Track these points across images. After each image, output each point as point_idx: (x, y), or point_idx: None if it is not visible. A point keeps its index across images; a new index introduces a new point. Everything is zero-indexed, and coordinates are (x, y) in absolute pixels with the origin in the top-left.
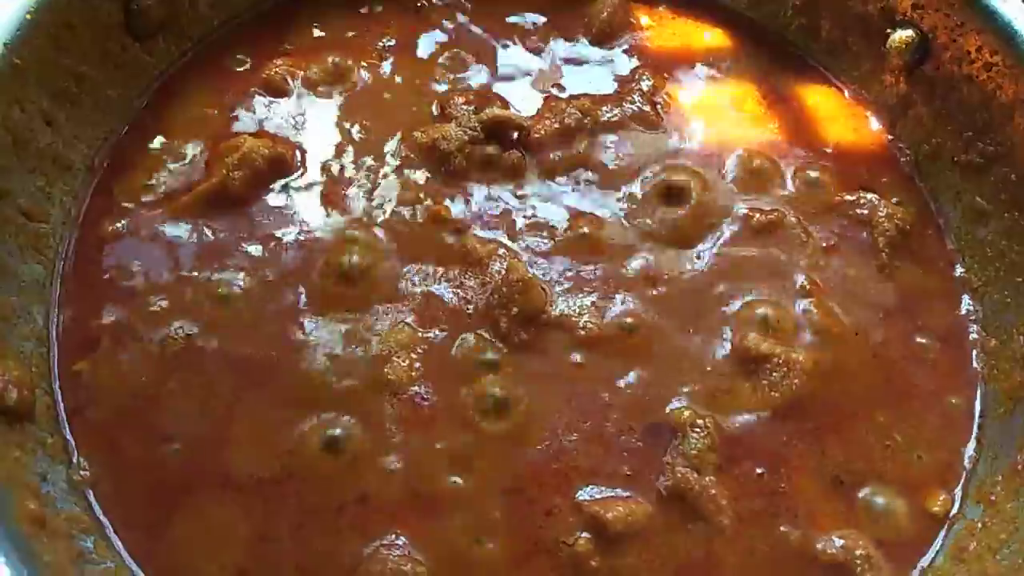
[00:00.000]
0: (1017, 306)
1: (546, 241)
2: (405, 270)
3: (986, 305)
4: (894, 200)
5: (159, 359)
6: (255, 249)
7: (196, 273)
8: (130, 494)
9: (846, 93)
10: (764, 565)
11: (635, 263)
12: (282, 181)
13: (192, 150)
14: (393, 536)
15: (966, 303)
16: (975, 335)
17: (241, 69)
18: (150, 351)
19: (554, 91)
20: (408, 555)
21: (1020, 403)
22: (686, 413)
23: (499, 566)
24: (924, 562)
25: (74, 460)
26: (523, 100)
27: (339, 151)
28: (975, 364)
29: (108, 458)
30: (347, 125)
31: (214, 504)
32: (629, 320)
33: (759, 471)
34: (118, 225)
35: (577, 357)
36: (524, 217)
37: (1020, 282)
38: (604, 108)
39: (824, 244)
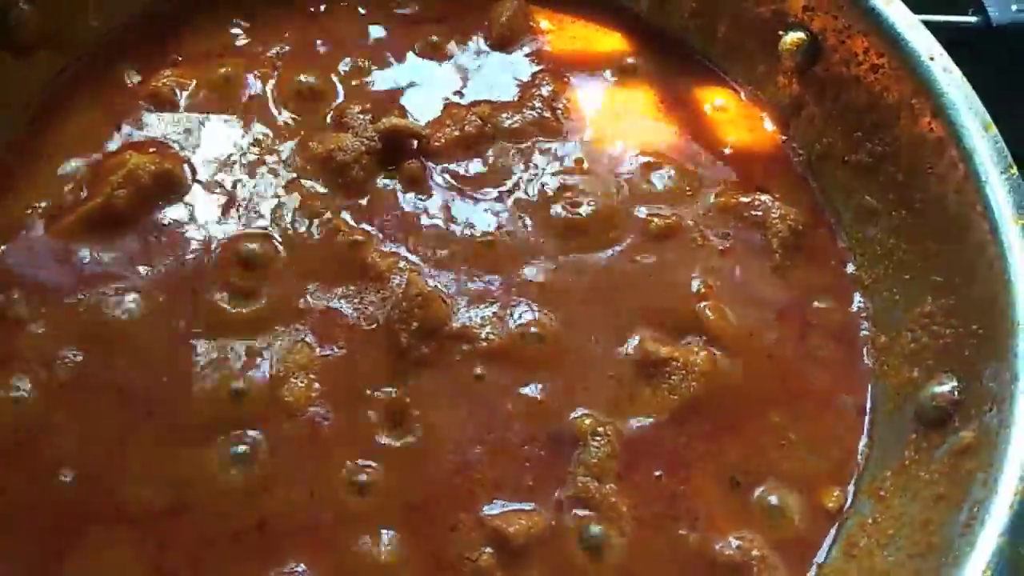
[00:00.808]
0: (905, 303)
1: (447, 252)
2: (303, 286)
3: (876, 302)
4: (786, 200)
5: (44, 389)
6: (143, 270)
7: (81, 297)
8: (17, 535)
9: (742, 95)
10: (664, 569)
11: (536, 271)
12: (171, 197)
13: (77, 168)
14: (293, 564)
15: (857, 300)
16: (866, 332)
17: (129, 81)
18: (33, 381)
19: (454, 98)
20: None
21: (908, 399)
22: (587, 421)
23: None
24: (818, 559)
25: None
26: (422, 107)
27: (231, 164)
28: (866, 361)
29: None
30: (239, 137)
31: (107, 540)
32: (532, 330)
33: (658, 474)
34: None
35: (479, 369)
36: (424, 228)
37: (908, 279)
38: (505, 115)
39: (720, 247)
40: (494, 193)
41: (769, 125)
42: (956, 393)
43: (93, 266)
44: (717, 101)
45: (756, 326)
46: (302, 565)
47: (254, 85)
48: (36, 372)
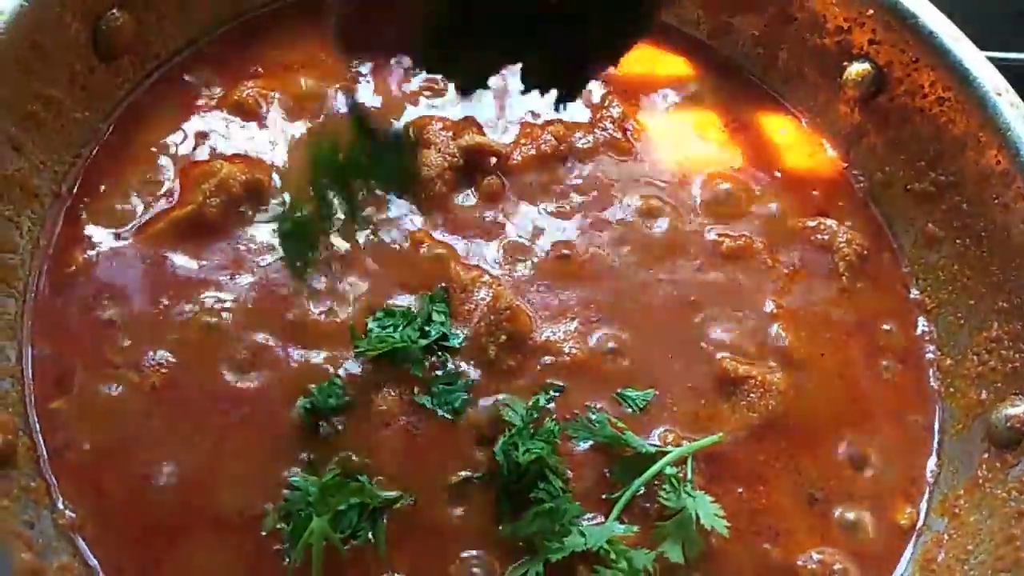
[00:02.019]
0: (969, 327)
1: (528, 267)
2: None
3: (940, 326)
4: (849, 225)
5: (140, 394)
6: (236, 277)
7: (174, 303)
8: (118, 536)
9: (803, 121)
10: None
11: (614, 288)
12: (260, 208)
13: (163, 175)
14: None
15: (921, 324)
16: (931, 355)
17: (209, 90)
18: (130, 386)
19: (528, 117)
20: None
21: (977, 420)
22: (670, 436)
23: None
24: (897, 573)
25: (58, 504)
26: (498, 127)
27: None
28: (932, 383)
29: (93, 500)
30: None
31: (206, 544)
32: (611, 345)
33: (739, 490)
34: (89, 254)
35: (562, 382)
36: (505, 242)
37: (971, 304)
38: (578, 134)
39: (787, 269)
40: (569, 210)
41: (831, 151)
42: None
43: (185, 272)
44: (780, 127)
45: (827, 347)
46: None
47: (336, 98)
48: (129, 376)
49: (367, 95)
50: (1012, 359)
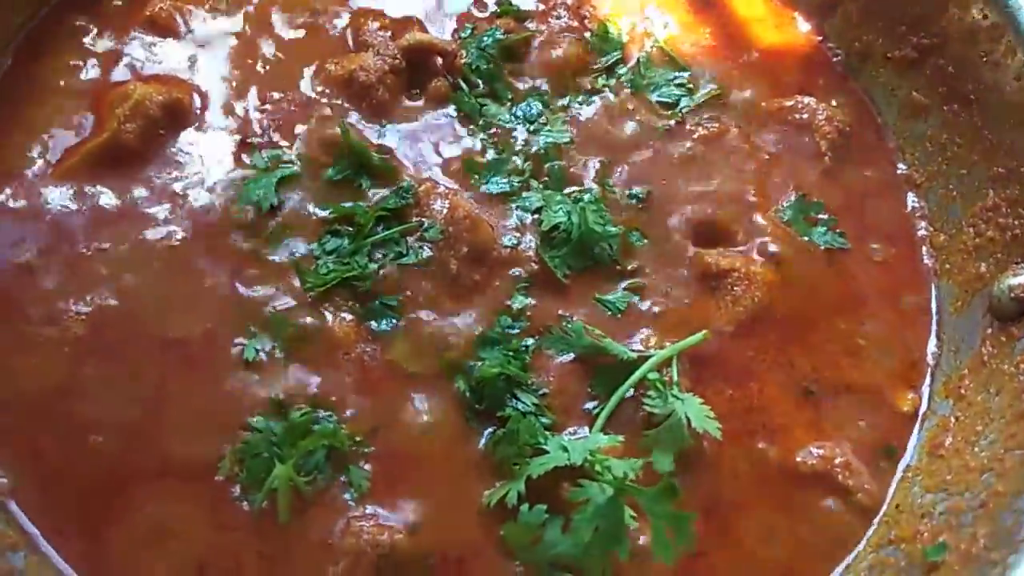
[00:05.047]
0: (962, 199)
1: (486, 173)
2: None
3: (931, 201)
4: (832, 103)
5: (69, 345)
6: (160, 209)
7: (96, 243)
8: (58, 498)
9: None
10: (750, 486)
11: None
12: (182, 129)
13: (74, 106)
14: (363, 509)
15: (911, 200)
16: (923, 232)
17: (120, 4)
18: (55, 337)
19: (475, 10)
20: (383, 524)
21: (977, 295)
22: (653, 340)
23: None
24: (902, 463)
25: None
26: (441, 22)
27: (242, 90)
28: (926, 260)
29: (27, 462)
30: (248, 61)
31: (156, 495)
32: None
33: (729, 391)
34: (1, 197)
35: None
36: (458, 148)
37: (964, 174)
38: (529, 25)
39: (767, 154)
40: (528, 106)
41: (803, 25)
42: None
43: (105, 208)
44: (746, 3)
45: (813, 232)
46: (378, 508)
47: (258, 5)
48: (55, 325)
49: None
50: (1012, 226)
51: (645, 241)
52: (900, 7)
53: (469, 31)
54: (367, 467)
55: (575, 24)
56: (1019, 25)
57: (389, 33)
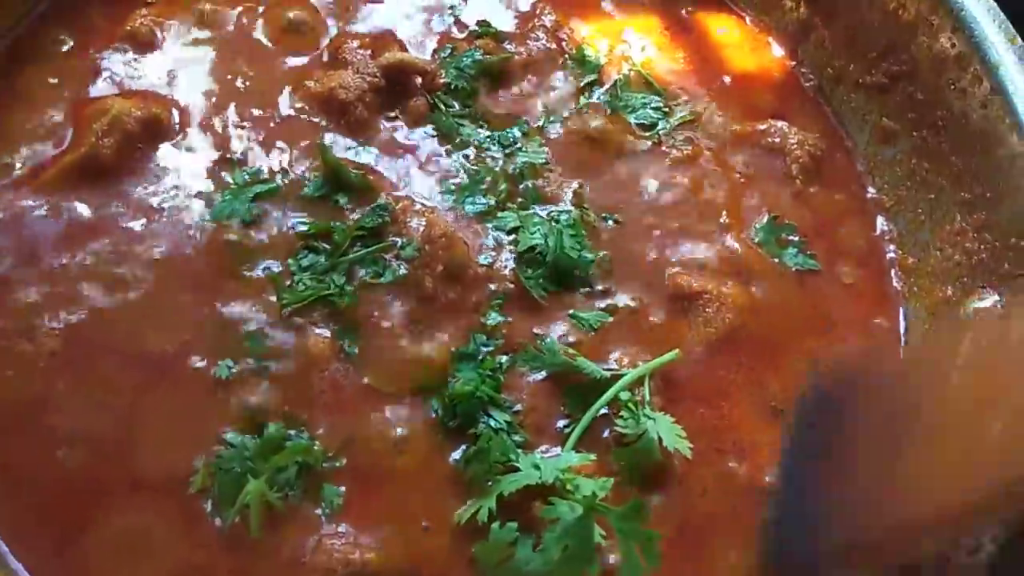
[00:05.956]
0: (930, 222)
1: (463, 192)
2: None
3: (899, 224)
4: (801, 126)
5: (42, 358)
6: (137, 224)
7: (72, 257)
8: (29, 513)
9: (747, 20)
10: (718, 503)
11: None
12: (160, 144)
13: (53, 118)
14: (335, 526)
15: (880, 223)
16: (892, 255)
17: (101, 23)
18: (28, 351)
19: (455, 31)
20: (354, 542)
21: (943, 318)
22: (626, 360)
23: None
24: None
25: None
26: (421, 42)
27: (222, 106)
28: (895, 283)
29: None
30: (228, 77)
31: (128, 509)
32: None
33: (700, 410)
34: None
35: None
36: (435, 168)
37: (932, 198)
38: (509, 47)
39: (739, 176)
40: (504, 127)
41: (777, 50)
42: (999, 306)
43: (81, 222)
44: (722, 27)
45: (784, 253)
46: (345, 525)
47: (239, 21)
48: (30, 338)
49: None
50: (977, 251)
51: (619, 262)
52: (872, 34)
53: (449, 51)
54: (341, 486)
55: (553, 47)
56: (985, 54)
57: (369, 51)
